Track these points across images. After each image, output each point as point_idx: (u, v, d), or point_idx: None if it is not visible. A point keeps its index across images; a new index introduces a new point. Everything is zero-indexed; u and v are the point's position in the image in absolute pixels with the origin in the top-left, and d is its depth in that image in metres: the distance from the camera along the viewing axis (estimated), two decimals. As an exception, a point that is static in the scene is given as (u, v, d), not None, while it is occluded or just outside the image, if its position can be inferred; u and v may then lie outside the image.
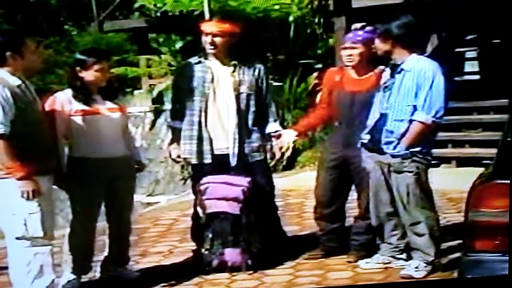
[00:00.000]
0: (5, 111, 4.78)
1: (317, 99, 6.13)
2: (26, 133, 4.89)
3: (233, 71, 5.84)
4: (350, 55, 5.63)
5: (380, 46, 5.32)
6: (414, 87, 5.16)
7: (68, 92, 5.42)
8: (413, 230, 5.29)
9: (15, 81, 4.91)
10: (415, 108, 5.16)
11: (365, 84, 5.64)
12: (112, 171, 5.46)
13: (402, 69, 5.24)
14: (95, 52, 5.68)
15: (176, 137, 6.02)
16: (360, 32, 5.70)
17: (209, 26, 5.83)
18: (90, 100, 5.40)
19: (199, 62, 5.88)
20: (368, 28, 5.66)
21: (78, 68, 5.42)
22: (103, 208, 5.64)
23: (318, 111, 6.02)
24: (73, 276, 5.48)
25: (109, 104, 5.49)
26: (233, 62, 5.85)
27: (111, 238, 5.70)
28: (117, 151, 5.52)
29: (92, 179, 5.38)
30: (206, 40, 5.78)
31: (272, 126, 5.99)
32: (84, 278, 5.62)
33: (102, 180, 5.44)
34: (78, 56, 5.58)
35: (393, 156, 5.21)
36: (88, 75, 5.40)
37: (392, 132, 5.23)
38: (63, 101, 5.36)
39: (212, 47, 5.76)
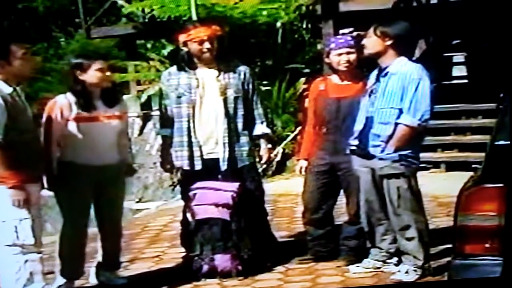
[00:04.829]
0: None
1: (306, 104, 6.12)
2: (17, 141, 4.88)
3: (218, 76, 5.83)
4: (348, 60, 5.63)
5: (372, 44, 5.31)
6: (399, 90, 5.16)
7: (70, 96, 5.39)
8: (402, 235, 5.29)
9: (6, 89, 4.90)
10: (401, 111, 5.16)
11: (350, 90, 5.66)
12: (102, 177, 5.44)
13: (387, 72, 5.25)
14: (89, 54, 5.66)
15: (165, 145, 6.02)
16: (349, 37, 5.73)
17: (200, 32, 5.78)
18: (90, 106, 5.37)
19: (183, 69, 5.87)
20: (354, 33, 5.69)
21: (78, 72, 5.39)
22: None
23: (309, 132, 6.00)
24: (64, 281, 5.47)
25: (109, 111, 5.45)
26: (218, 67, 5.85)
27: (102, 243, 5.69)
28: (110, 159, 5.50)
29: (81, 184, 5.36)
30: (195, 46, 5.76)
31: (259, 128, 6.00)
32: (76, 284, 5.62)
33: (91, 186, 5.42)
34: (73, 60, 5.54)
35: (381, 159, 5.22)
36: (89, 76, 5.37)
37: (378, 135, 5.24)
38: (62, 105, 5.33)
39: (207, 52, 5.75)
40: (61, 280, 5.48)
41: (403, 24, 5.35)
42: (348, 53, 5.63)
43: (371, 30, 5.33)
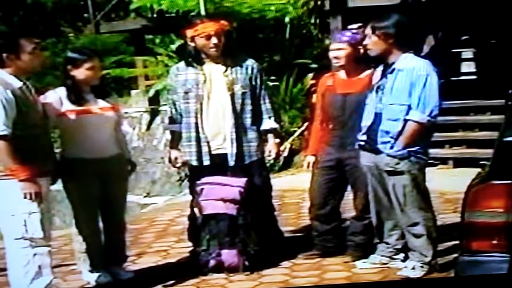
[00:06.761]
0: (7, 112, 4.79)
1: (313, 100, 6.12)
2: (27, 134, 4.90)
3: (226, 71, 5.82)
4: (337, 57, 5.63)
5: (375, 45, 5.29)
6: (407, 86, 5.13)
7: (60, 91, 5.40)
8: (410, 232, 5.29)
9: (16, 83, 4.92)
10: (409, 107, 5.14)
11: (357, 85, 5.64)
12: (103, 170, 5.44)
13: (394, 69, 5.21)
14: (86, 50, 5.67)
15: (173, 140, 6.04)
16: (347, 33, 5.70)
17: (207, 27, 5.77)
18: (82, 100, 5.38)
19: (191, 64, 5.87)
20: (354, 29, 5.67)
21: (69, 67, 5.40)
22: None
23: (316, 127, 6.00)
24: (93, 274, 5.55)
25: (101, 103, 5.46)
26: (225, 62, 5.84)
27: (106, 238, 5.69)
28: (109, 151, 5.50)
29: (83, 178, 5.36)
30: (202, 41, 5.76)
31: (268, 123, 5.99)
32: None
33: (94, 180, 5.42)
34: (69, 54, 5.58)
35: (390, 156, 5.21)
36: (80, 73, 5.37)
37: (387, 132, 5.22)
38: (52, 100, 5.34)
39: (214, 48, 5.75)
40: (89, 274, 5.57)
41: (401, 18, 5.28)
42: (338, 49, 5.62)
43: (369, 30, 5.30)
